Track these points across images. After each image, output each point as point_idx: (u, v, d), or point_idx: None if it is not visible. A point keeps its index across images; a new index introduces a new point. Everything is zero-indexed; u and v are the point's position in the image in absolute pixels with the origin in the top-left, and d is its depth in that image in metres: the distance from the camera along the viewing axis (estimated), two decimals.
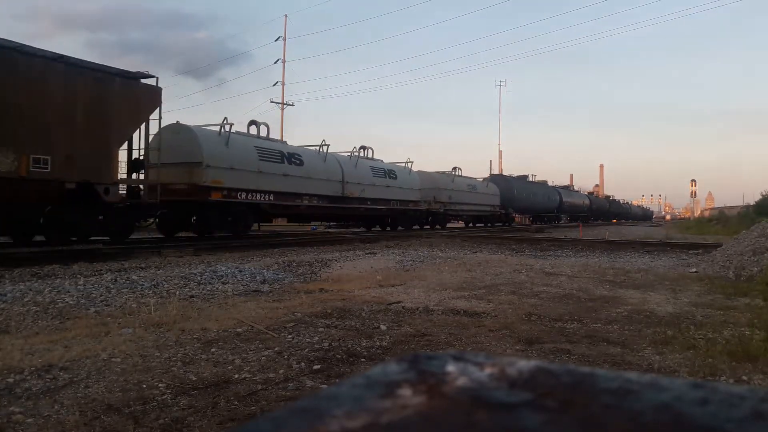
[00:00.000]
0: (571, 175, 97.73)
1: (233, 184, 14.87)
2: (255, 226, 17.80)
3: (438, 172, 28.84)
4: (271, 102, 42.17)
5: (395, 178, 23.22)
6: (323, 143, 19.27)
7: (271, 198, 16.26)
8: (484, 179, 34.28)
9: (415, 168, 26.29)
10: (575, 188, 59.52)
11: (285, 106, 42.57)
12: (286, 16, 44.89)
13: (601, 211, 63.52)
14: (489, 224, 33.37)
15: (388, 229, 23.87)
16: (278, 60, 43.15)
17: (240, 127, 31.10)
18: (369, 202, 21.20)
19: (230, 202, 14.90)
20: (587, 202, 57.38)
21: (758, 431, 0.32)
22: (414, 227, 25.30)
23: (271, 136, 18.26)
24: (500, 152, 67.02)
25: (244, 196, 15.27)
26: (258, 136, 17.12)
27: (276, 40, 43.34)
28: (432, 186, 26.70)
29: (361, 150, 22.22)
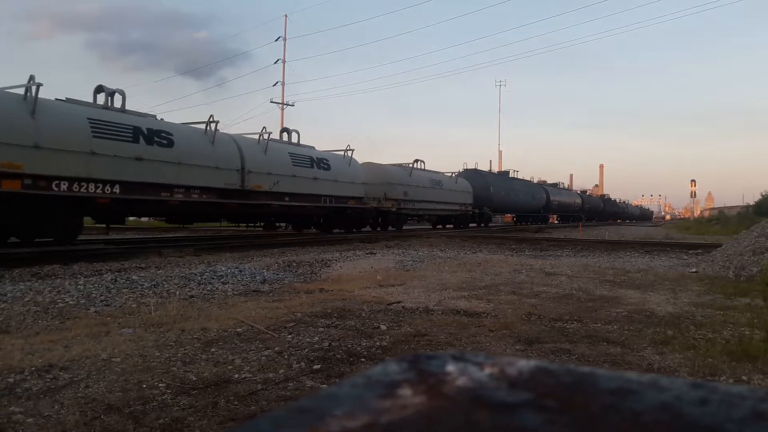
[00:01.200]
0: (571, 175, 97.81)
1: (43, 169, 10.36)
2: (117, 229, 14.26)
3: (393, 165, 24.48)
4: (271, 102, 42.18)
5: (327, 168, 18.48)
6: (211, 119, 14.36)
7: (117, 190, 11.77)
8: (454, 174, 29.52)
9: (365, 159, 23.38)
10: (566, 186, 55.29)
11: (285, 106, 42.59)
12: (286, 16, 44.89)
13: (594, 210, 60.34)
14: (461, 225, 29.03)
15: (313, 229, 20.50)
16: (278, 60, 43.16)
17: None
18: (288, 198, 16.59)
19: (40, 196, 10.44)
20: (578, 201, 53.34)
21: (758, 431, 0.32)
22: (363, 229, 21.60)
23: (126, 107, 13.01)
24: (500, 152, 67.08)
25: (65, 186, 10.78)
26: (96, 105, 12.37)
27: (276, 40, 43.34)
28: (382, 180, 22.19)
29: (283, 134, 18.63)
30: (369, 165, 22.82)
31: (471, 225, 30.59)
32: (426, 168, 26.82)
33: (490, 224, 33.48)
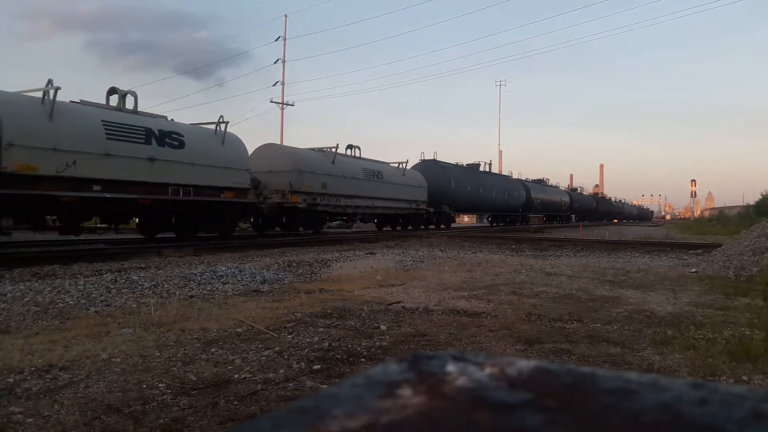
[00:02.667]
0: (571, 175, 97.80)
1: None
2: None
3: (309, 149, 19.46)
4: (271, 102, 42.17)
5: (178, 146, 13.07)
6: None
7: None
8: (402, 165, 24.22)
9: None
10: (552, 183, 49.07)
11: (285, 106, 42.57)
12: (286, 16, 44.84)
13: (585, 210, 55.24)
14: (410, 226, 24.29)
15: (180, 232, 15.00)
16: (278, 60, 43.13)
17: None
18: (98, 187, 11.31)
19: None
20: (567, 199, 48.13)
21: (758, 431, 0.32)
22: (261, 231, 17.62)
23: None
24: (500, 152, 66.99)
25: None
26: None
27: (276, 40, 43.31)
28: (289, 167, 17.08)
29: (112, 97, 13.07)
30: (268, 147, 18.16)
31: (430, 227, 26.10)
32: (362, 156, 21.85)
33: (453, 225, 29.14)
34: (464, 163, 32.05)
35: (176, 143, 13.19)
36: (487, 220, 38.78)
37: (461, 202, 28.72)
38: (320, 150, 19.68)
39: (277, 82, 44.18)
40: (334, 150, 19.78)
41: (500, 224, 35.97)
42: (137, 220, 15.48)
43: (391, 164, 24.12)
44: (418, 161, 27.95)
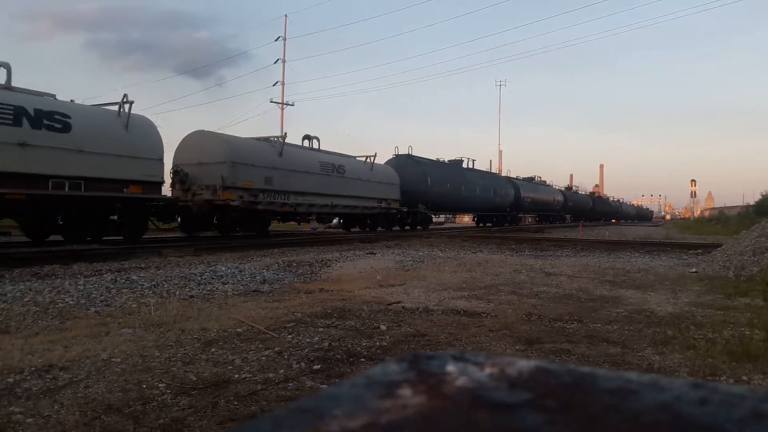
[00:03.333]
0: (571, 175, 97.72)
1: None
2: None
3: (253, 138, 16.88)
4: (271, 102, 42.16)
5: (64, 130, 10.87)
6: None
7: None
8: (369, 159, 21.53)
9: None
10: (545, 181, 46.41)
11: (285, 106, 42.57)
12: (286, 16, 44.82)
13: (581, 209, 52.02)
14: (381, 227, 21.95)
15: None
16: (278, 60, 43.13)
17: None
18: None
19: None
20: (560, 198, 45.25)
21: (758, 431, 0.32)
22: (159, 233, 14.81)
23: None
24: (500, 152, 66.96)
25: None
26: None
27: (276, 40, 43.30)
28: (222, 159, 14.41)
29: None
30: (198, 135, 15.26)
31: (405, 228, 23.83)
32: (321, 148, 19.35)
33: (430, 227, 26.57)
34: (445, 159, 29.28)
35: (59, 126, 10.68)
36: (473, 220, 36.10)
37: (440, 201, 25.76)
38: (266, 139, 16.93)
39: (277, 82, 44.17)
40: (279, 139, 16.80)
41: (487, 224, 33.26)
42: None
43: (357, 158, 21.43)
44: (392, 156, 25.43)
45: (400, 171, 23.59)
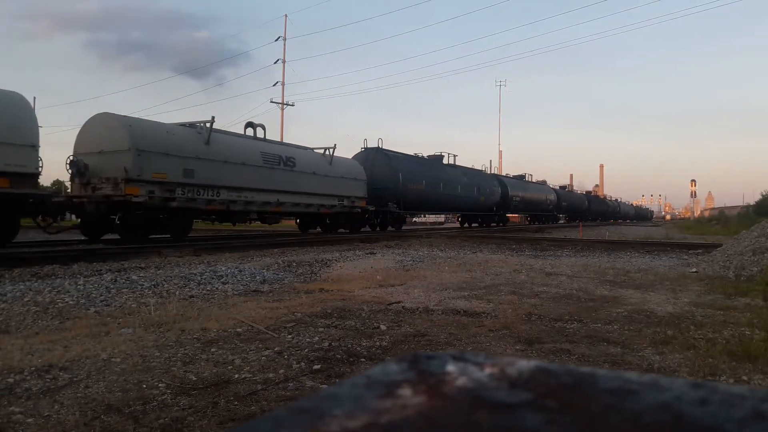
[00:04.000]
0: (571, 175, 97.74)
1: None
2: None
3: (175, 124, 14.33)
4: (271, 102, 42.17)
5: None
6: None
7: None
8: (328, 151, 19.01)
9: None
10: (535, 179, 43.69)
11: (285, 106, 42.58)
12: (286, 16, 44.83)
13: (575, 209, 49.97)
14: (343, 228, 19.82)
15: None
16: (278, 60, 43.14)
17: None
18: None
19: None
20: (552, 197, 42.70)
21: (758, 431, 0.32)
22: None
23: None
24: (500, 152, 66.97)
25: None
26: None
27: (276, 40, 43.31)
28: (126, 146, 12.14)
29: None
30: (101, 119, 12.85)
31: (377, 229, 21.62)
32: (270, 139, 17.05)
33: (404, 228, 24.39)
34: (423, 154, 26.73)
35: None
36: (457, 220, 33.52)
37: (414, 200, 23.25)
38: (191, 125, 14.32)
39: (277, 82, 44.17)
40: (205, 124, 14.17)
41: (473, 225, 31.28)
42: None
43: (315, 150, 19.01)
44: (360, 149, 22.84)
45: (369, 166, 21.14)
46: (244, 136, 16.34)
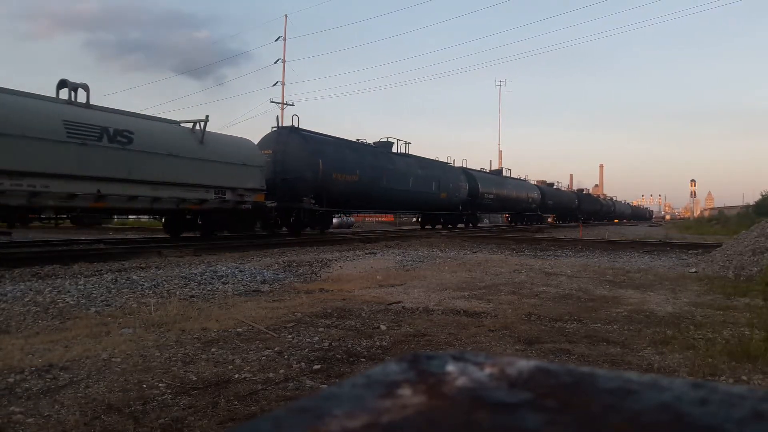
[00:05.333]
0: (571, 175, 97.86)
1: None
2: None
3: None
4: (271, 102, 42.11)
5: None
6: None
7: None
8: (198, 123, 13.86)
9: None
10: (512, 174, 37.78)
11: (285, 106, 42.57)
12: (286, 16, 44.77)
13: (563, 208, 45.80)
14: (227, 231, 15.43)
15: None
16: (278, 60, 43.12)
17: None
18: None
19: None
20: (536, 195, 38.18)
21: (758, 431, 0.32)
22: None
23: None
24: (500, 152, 66.93)
25: None
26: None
27: (276, 40, 43.26)
28: None
29: None
30: None
31: (283, 230, 17.89)
32: (96, 105, 11.83)
33: (329, 231, 19.59)
34: (364, 140, 22.12)
35: None
36: (417, 221, 28.38)
37: (344, 194, 18.38)
38: None
39: (277, 82, 44.13)
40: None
41: (436, 226, 26.81)
42: None
43: (180, 124, 13.90)
44: (271, 129, 18.02)
45: (280, 150, 16.79)
46: (42, 98, 11.07)
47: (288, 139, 17.34)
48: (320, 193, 17.32)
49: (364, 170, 19.54)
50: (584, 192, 59.85)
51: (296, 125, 17.75)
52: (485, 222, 38.64)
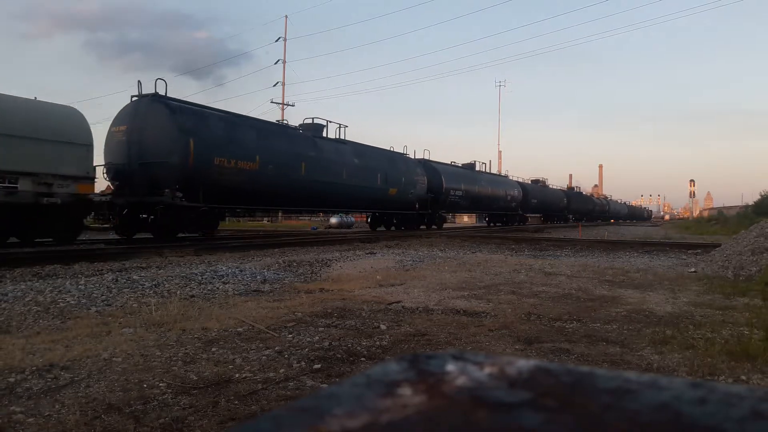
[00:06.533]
0: (571, 175, 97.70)
1: None
2: None
3: None
4: (272, 102, 42.06)
5: None
6: None
7: None
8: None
9: None
10: (490, 170, 34.76)
11: (285, 106, 42.54)
12: (286, 16, 44.65)
13: (550, 207, 42.36)
14: (34, 237, 11.09)
15: None
16: (278, 60, 43.09)
17: None
18: None
19: None
20: (516, 193, 34.53)
21: (757, 431, 0.32)
22: None
23: None
24: (500, 152, 66.90)
25: None
26: None
27: (276, 40, 43.24)
28: None
29: None
30: None
31: (156, 236, 13.51)
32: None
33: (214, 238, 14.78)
34: (286, 121, 18.62)
35: None
36: (367, 221, 25.05)
37: (235, 187, 14.04)
38: None
39: (277, 83, 44.08)
40: None
41: (391, 228, 23.24)
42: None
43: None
44: (131, 98, 13.53)
45: (137, 127, 12.93)
46: None
47: (149, 110, 12.96)
48: (192, 184, 12.89)
49: (270, 156, 15.13)
50: (575, 190, 55.41)
51: (161, 94, 13.40)
52: (462, 221, 34.22)
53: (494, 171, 41.76)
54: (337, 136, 19.51)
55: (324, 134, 18.86)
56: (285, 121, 16.55)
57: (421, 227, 24.30)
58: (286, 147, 16.22)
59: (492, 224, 34.96)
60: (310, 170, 16.64)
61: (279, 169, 15.45)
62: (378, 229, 23.36)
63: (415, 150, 28.09)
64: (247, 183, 14.46)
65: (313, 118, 18.91)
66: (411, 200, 22.74)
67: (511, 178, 38.06)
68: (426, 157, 26.12)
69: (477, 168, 31.20)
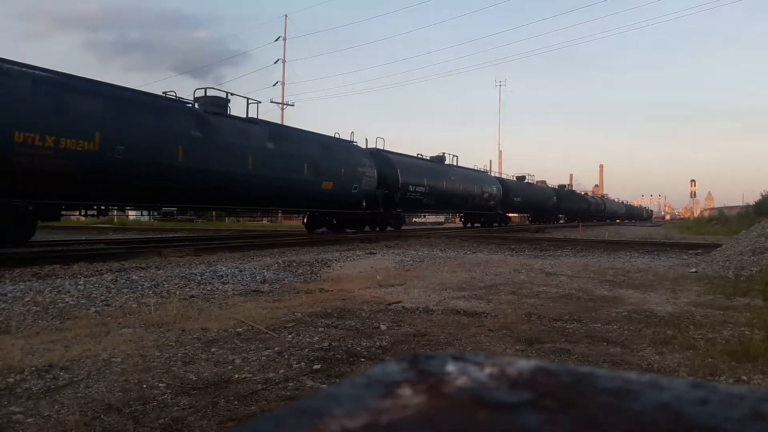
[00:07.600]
0: (571, 175, 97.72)
1: None
2: None
3: None
4: (272, 102, 42.05)
5: None
6: None
7: None
8: None
9: None
10: (463, 165, 28.84)
11: (285, 106, 42.53)
12: (286, 16, 44.65)
13: (537, 207, 38.92)
14: None
15: None
16: (278, 60, 43.07)
17: None
18: None
19: None
20: (494, 191, 30.34)
21: (758, 431, 0.32)
22: None
23: None
24: (500, 152, 66.91)
25: None
26: None
27: (276, 40, 43.21)
28: None
29: None
30: None
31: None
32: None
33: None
34: (500, 174, 16.18)
35: None
36: (303, 220, 20.76)
37: (61, 174, 10.14)
38: None
39: (277, 82, 44.05)
40: None
41: (324, 228, 20.09)
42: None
43: None
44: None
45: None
46: None
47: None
48: (101, 181, 10.67)
49: (123, 134, 11.19)
50: (566, 188, 50.65)
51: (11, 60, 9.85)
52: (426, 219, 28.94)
53: (494, 171, 40.57)
54: (253, 116, 15.14)
55: (228, 112, 14.63)
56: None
57: (375, 229, 20.50)
58: (154, 123, 11.99)
59: (468, 225, 31.39)
60: (192, 155, 12.54)
61: (138, 153, 11.36)
62: (317, 231, 19.63)
63: (367, 138, 23.43)
64: (78, 169, 10.40)
65: (205, 89, 14.22)
66: (355, 197, 18.57)
67: (491, 174, 34.29)
68: (379, 147, 21.59)
69: (447, 161, 26.78)
